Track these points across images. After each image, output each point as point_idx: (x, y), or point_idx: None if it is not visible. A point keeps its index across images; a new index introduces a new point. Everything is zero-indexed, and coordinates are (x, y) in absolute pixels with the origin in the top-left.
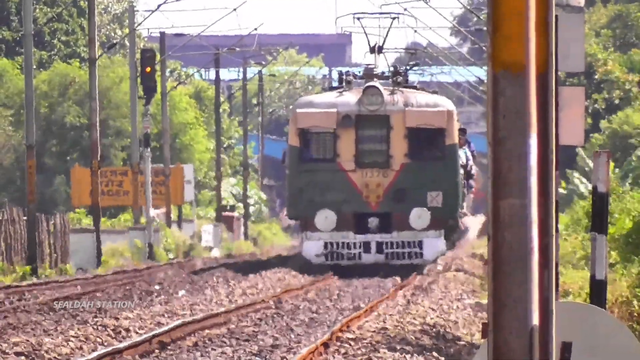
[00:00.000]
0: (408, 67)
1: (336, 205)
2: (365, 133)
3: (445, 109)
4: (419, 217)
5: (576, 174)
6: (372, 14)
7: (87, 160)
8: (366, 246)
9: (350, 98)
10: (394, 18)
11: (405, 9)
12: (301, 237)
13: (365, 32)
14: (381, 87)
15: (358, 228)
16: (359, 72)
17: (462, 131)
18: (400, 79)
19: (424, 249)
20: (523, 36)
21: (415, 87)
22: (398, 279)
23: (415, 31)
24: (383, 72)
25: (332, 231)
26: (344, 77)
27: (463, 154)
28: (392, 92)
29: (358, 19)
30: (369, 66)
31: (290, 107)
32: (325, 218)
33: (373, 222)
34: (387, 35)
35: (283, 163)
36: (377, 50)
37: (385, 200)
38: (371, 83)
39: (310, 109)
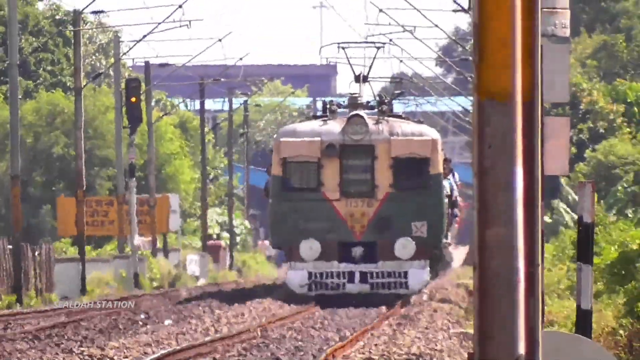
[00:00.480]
0: (393, 96)
1: (320, 235)
2: (350, 162)
3: (430, 138)
4: (403, 247)
5: (562, 205)
6: (356, 43)
7: (73, 190)
8: (350, 276)
9: (334, 127)
10: (378, 48)
11: (390, 40)
12: (286, 266)
13: (349, 62)
14: (366, 116)
15: (342, 257)
16: (344, 101)
17: (447, 161)
18: (385, 108)
19: (409, 279)
20: (509, 65)
21: (400, 116)
22: (383, 308)
23: (401, 61)
24: (368, 102)
25: (316, 260)
26: (328, 106)
27: (447, 184)
28: (377, 122)
29: (343, 48)
30: (354, 95)
31: (274, 136)
32: (309, 248)
33: (357, 251)
34: (372, 65)
35: (266, 195)
36: (362, 79)
37: (370, 229)
38: (356, 112)
39: (293, 138)
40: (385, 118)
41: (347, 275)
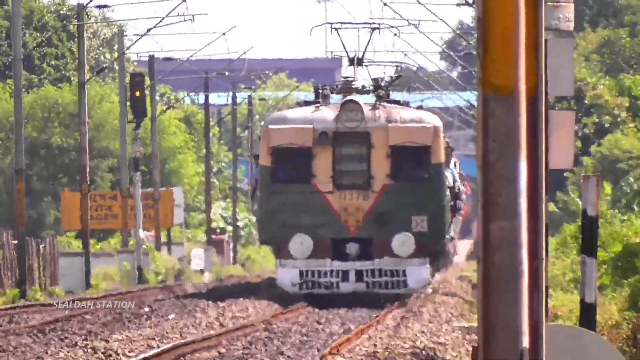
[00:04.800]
0: (392, 80)
1: (312, 230)
2: (344, 151)
3: (431, 125)
4: (402, 243)
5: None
6: (350, 24)
7: (74, 182)
8: (344, 274)
9: (327, 113)
10: (374, 29)
11: (397, 30)
12: (275, 264)
13: (343, 44)
14: (361, 102)
15: (336, 255)
16: (337, 86)
17: (450, 149)
18: (382, 92)
19: (408, 278)
20: (513, 58)
21: (398, 102)
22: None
23: (405, 55)
24: (363, 86)
25: (307, 258)
26: (320, 90)
27: (450, 174)
28: (373, 107)
29: (336, 29)
30: (348, 79)
31: (261, 122)
32: (300, 244)
33: (352, 248)
34: (367, 46)
35: (254, 190)
36: (356, 62)
37: (366, 224)
38: (350, 97)
39: (283, 125)
40: (382, 104)
41: (341, 274)
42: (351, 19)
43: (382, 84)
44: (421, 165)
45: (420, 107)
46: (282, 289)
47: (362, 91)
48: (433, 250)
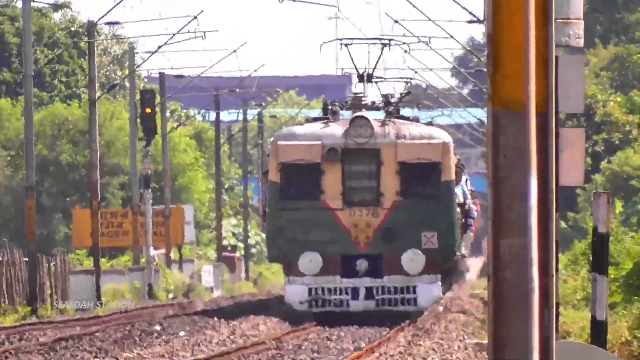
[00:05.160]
0: (401, 97)
1: (321, 247)
2: (353, 168)
3: (440, 141)
4: (412, 260)
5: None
6: (360, 39)
7: (84, 199)
8: (354, 292)
9: (336, 129)
10: (384, 45)
11: (408, 47)
12: (284, 280)
13: (352, 60)
14: (370, 118)
15: (345, 271)
16: (346, 101)
17: (461, 166)
18: (391, 109)
19: (419, 295)
20: (523, 75)
21: (408, 118)
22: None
23: (416, 72)
24: (373, 102)
25: (317, 275)
26: (329, 107)
27: (460, 191)
28: (383, 123)
29: (345, 45)
30: (357, 95)
31: (271, 139)
32: (309, 261)
33: (362, 264)
34: (377, 63)
35: (264, 207)
36: (366, 78)
37: (375, 241)
38: (359, 113)
39: (292, 141)
40: (392, 120)
41: (351, 291)
42: (362, 36)
43: (392, 100)
44: (431, 182)
45: (430, 124)
46: (291, 306)
47: (372, 107)
48: (444, 267)
